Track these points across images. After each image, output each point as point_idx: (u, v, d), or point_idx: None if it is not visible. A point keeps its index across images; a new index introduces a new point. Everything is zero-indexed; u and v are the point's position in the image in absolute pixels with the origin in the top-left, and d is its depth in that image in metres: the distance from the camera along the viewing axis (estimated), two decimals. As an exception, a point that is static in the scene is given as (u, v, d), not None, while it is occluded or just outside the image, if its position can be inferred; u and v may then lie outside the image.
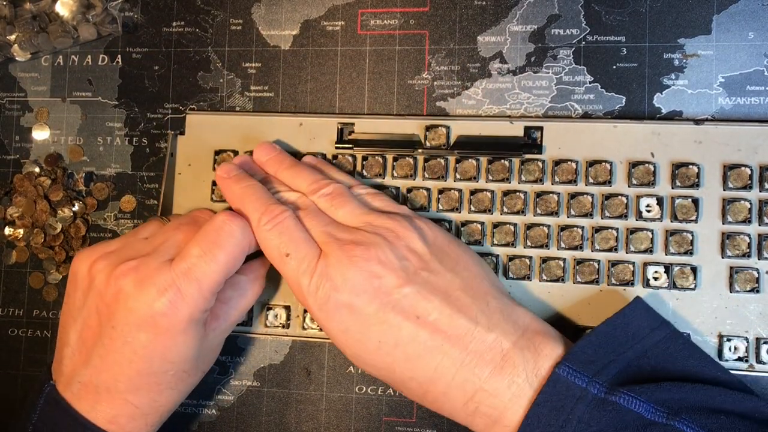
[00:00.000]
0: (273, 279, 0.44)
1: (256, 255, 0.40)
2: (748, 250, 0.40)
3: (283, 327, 0.44)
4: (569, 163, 0.41)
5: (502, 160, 0.42)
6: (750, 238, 0.40)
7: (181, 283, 0.35)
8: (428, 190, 0.43)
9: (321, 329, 0.43)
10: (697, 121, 0.41)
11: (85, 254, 0.39)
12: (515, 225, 0.42)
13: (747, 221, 0.40)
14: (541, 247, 0.41)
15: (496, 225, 0.42)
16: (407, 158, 0.43)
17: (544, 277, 0.41)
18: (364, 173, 0.44)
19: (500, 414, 0.33)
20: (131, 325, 0.36)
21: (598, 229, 0.41)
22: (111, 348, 0.36)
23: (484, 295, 0.36)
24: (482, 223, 0.42)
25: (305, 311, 0.44)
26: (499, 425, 0.34)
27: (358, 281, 0.34)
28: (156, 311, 0.35)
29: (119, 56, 0.48)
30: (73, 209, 0.47)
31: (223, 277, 0.37)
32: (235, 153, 0.45)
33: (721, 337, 0.40)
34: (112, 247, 0.39)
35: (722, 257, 0.40)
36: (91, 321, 0.37)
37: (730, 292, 0.40)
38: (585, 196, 0.41)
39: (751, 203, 0.40)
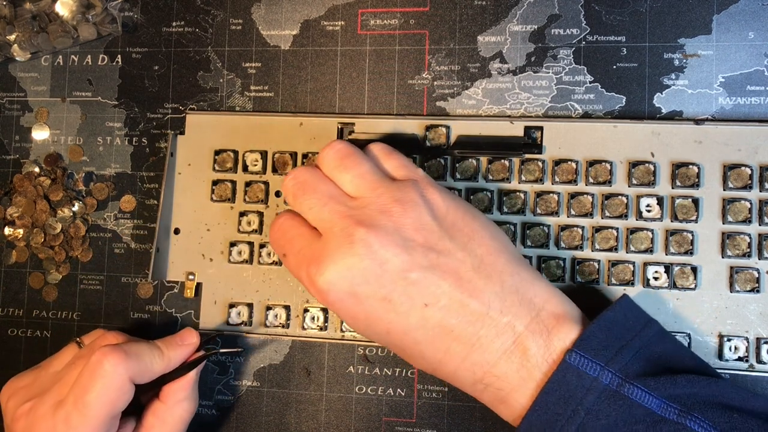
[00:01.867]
0: (272, 279, 0.44)
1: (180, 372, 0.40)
2: (748, 250, 0.40)
3: (283, 327, 0.44)
4: (569, 163, 0.41)
5: (502, 160, 0.42)
6: (750, 237, 0.40)
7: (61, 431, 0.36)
8: (428, 190, 0.43)
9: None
10: (697, 121, 0.41)
11: (5, 388, 0.40)
12: (515, 225, 0.42)
13: (747, 221, 0.40)
14: (541, 246, 0.41)
15: (496, 225, 0.42)
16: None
17: (544, 277, 0.41)
18: (364, 173, 0.44)
19: (507, 395, 0.33)
20: None
21: (598, 229, 0.41)
22: None
23: (499, 274, 0.34)
24: (482, 223, 0.42)
25: (305, 311, 0.44)
26: (505, 404, 0.33)
27: (361, 269, 0.32)
28: None
29: (119, 56, 0.48)
30: (73, 209, 0.47)
31: (105, 420, 0.36)
32: (235, 153, 0.45)
33: (721, 337, 0.40)
34: (26, 381, 0.40)
35: (722, 257, 0.40)
36: None
37: (731, 291, 0.40)
38: (585, 195, 0.41)
39: (751, 203, 0.40)
